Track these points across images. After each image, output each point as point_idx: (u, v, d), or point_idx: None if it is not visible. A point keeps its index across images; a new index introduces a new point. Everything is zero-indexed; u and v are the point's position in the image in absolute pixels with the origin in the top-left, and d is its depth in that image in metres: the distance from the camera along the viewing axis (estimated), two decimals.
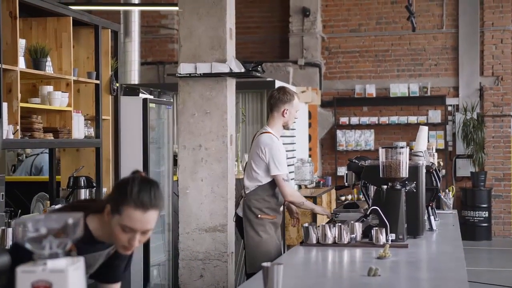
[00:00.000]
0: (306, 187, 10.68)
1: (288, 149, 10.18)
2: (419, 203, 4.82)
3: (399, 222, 4.53)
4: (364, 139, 13.28)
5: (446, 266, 3.94)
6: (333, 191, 11.57)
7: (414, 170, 4.80)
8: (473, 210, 12.61)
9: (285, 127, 5.36)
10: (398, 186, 4.64)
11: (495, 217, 12.92)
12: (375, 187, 4.84)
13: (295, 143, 10.53)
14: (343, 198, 12.23)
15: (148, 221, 2.65)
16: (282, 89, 5.47)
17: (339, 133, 13.35)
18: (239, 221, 5.39)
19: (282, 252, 5.39)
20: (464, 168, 12.98)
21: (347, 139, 13.34)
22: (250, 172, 5.29)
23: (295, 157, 10.55)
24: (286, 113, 5.28)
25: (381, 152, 4.66)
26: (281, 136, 5.45)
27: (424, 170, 4.99)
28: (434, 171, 5.38)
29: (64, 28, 5.26)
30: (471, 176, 12.79)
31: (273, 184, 5.26)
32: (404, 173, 4.63)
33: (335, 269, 4.02)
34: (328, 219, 5.72)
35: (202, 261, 5.83)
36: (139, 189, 2.65)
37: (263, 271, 2.88)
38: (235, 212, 5.47)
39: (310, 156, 12.47)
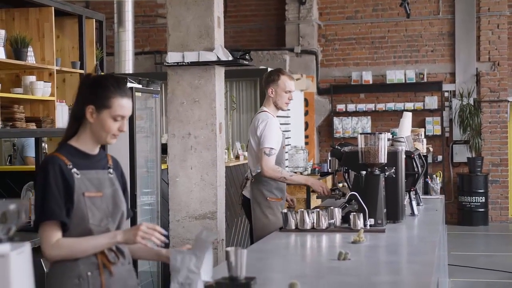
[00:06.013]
0: (301, 174, 10.70)
1: None
2: (398, 188, 4.85)
3: (378, 207, 4.57)
4: (361, 126, 13.29)
5: (417, 249, 3.97)
6: (329, 178, 11.58)
7: (393, 155, 4.83)
8: (470, 196, 12.63)
9: (277, 106, 5.51)
10: (377, 172, 4.67)
11: (492, 202, 12.94)
12: (354, 173, 4.87)
13: (290, 131, 10.55)
14: (340, 184, 12.20)
15: (131, 106, 3.05)
16: (270, 71, 5.69)
17: (336, 120, 13.37)
18: (245, 203, 5.52)
19: None
20: (461, 154, 13.00)
21: (344, 126, 13.35)
22: (253, 152, 5.45)
23: (289, 144, 10.57)
24: (272, 92, 5.49)
25: (360, 138, 4.70)
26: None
27: (404, 156, 5.01)
28: (416, 157, 5.40)
29: (46, 18, 5.29)
30: (468, 162, 12.80)
31: (277, 162, 5.37)
32: (383, 158, 4.66)
33: (307, 254, 4.05)
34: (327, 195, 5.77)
35: None
36: (117, 82, 2.99)
37: (226, 255, 2.91)
38: (241, 194, 5.59)
39: (307, 143, 12.49)
